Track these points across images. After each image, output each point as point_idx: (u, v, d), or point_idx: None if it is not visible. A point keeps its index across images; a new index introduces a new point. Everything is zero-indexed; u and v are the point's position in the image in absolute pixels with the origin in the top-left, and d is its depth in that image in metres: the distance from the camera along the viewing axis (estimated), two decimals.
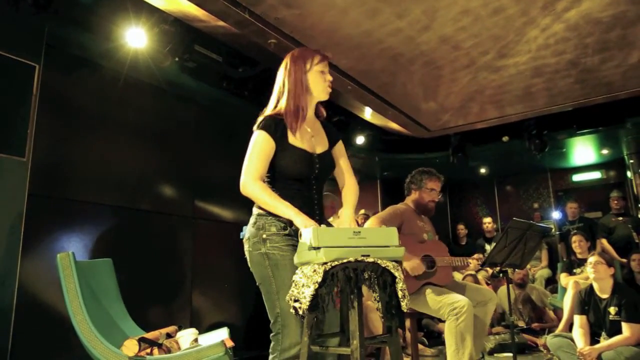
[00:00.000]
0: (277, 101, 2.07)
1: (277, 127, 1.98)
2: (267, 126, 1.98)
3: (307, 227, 1.73)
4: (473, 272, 5.50)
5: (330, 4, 3.49)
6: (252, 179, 1.91)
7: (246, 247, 2.01)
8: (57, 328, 3.10)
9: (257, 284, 1.99)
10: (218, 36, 3.92)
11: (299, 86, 2.02)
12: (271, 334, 1.96)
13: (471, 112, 5.76)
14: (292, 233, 1.93)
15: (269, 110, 2.06)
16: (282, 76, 2.08)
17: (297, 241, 1.89)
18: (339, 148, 2.19)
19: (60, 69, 3.58)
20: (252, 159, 1.95)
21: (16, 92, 3.30)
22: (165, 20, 3.73)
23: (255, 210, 2.03)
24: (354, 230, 1.69)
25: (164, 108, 4.40)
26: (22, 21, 3.33)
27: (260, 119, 2.03)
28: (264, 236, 1.94)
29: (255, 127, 2.02)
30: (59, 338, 3.13)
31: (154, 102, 4.31)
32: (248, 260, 2.00)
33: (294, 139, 2.00)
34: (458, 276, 5.32)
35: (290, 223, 1.91)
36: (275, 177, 2.01)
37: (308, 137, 2.05)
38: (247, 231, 2.02)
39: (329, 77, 2.07)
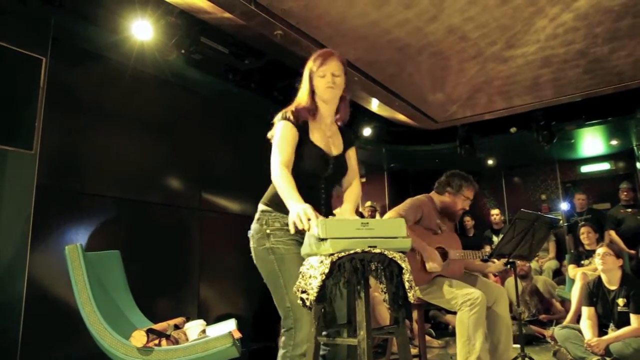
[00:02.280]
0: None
1: (299, 119, 2.05)
2: (289, 117, 2.04)
3: (295, 209, 1.73)
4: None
5: None
6: (279, 165, 1.95)
7: (251, 243, 2.05)
8: (66, 319, 3.12)
9: (264, 280, 2.01)
10: (224, 28, 3.91)
11: (306, 91, 2.13)
12: (283, 329, 1.96)
13: (479, 103, 5.72)
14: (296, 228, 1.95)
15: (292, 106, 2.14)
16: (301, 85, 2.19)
17: (301, 236, 1.91)
18: (352, 153, 2.25)
19: (67, 61, 3.58)
20: (279, 147, 2.00)
21: (23, 85, 3.31)
22: (171, 12, 3.73)
23: (259, 207, 2.08)
24: (361, 221, 1.68)
25: (170, 100, 4.40)
26: (28, 14, 3.33)
27: (284, 110, 2.09)
28: (268, 231, 1.99)
29: (278, 118, 2.08)
30: (68, 329, 3.16)
31: (160, 94, 4.31)
32: (253, 256, 2.05)
33: (313, 136, 2.06)
34: None
35: None
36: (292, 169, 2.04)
37: (325, 138, 2.11)
38: (252, 228, 2.07)
39: (328, 80, 2.09)
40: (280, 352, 1.95)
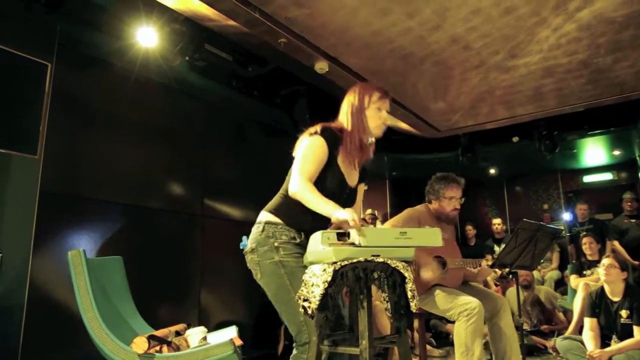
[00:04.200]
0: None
1: (335, 142, 2.00)
2: (327, 136, 1.99)
3: (344, 213, 1.68)
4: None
5: (340, 4, 3.49)
6: (304, 179, 1.89)
7: (253, 257, 1.96)
8: (67, 325, 3.13)
9: (271, 295, 1.93)
10: (228, 35, 3.94)
11: (361, 124, 2.05)
12: (294, 344, 1.90)
13: (481, 112, 5.73)
14: (302, 243, 1.93)
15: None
16: (345, 108, 2.10)
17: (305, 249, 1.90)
18: (361, 189, 2.23)
19: (72, 67, 3.61)
20: (307, 160, 1.94)
21: (29, 91, 3.33)
22: (176, 19, 3.76)
23: (264, 217, 1.99)
24: (400, 230, 1.69)
25: (174, 107, 4.42)
26: (35, 21, 3.36)
27: (321, 125, 2.02)
28: (276, 244, 1.91)
29: (313, 131, 2.00)
30: (69, 335, 3.16)
31: (164, 100, 4.33)
32: (258, 271, 1.96)
33: (341, 162, 2.03)
34: None
35: (300, 234, 1.93)
36: None
37: (350, 168, 2.08)
38: (253, 240, 1.97)
39: (384, 115, 2.09)
40: None
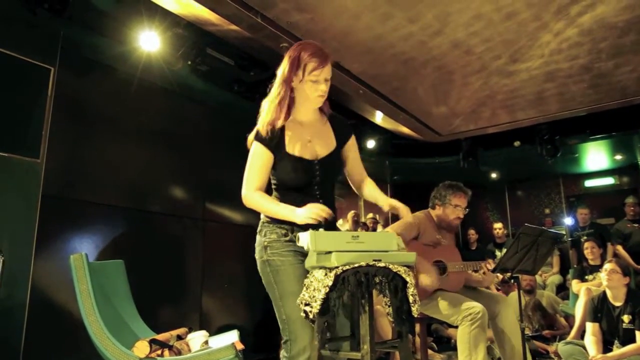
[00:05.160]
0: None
1: (272, 137, 1.94)
2: (261, 137, 1.95)
3: (300, 219, 1.74)
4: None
5: (342, 9, 3.50)
6: (250, 191, 1.94)
7: (255, 255, 2.02)
8: (68, 328, 3.12)
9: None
10: (230, 40, 3.95)
11: (285, 97, 1.96)
12: (282, 341, 1.94)
13: (482, 116, 5.74)
14: (293, 239, 1.91)
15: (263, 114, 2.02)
16: (278, 79, 2.02)
17: (301, 247, 1.89)
18: (350, 146, 2.10)
19: (75, 71, 3.62)
20: (250, 171, 1.97)
21: (32, 95, 3.34)
22: (178, 24, 3.77)
23: (261, 218, 2.04)
24: (352, 234, 1.68)
25: (176, 111, 4.43)
26: (38, 25, 3.38)
27: (256, 128, 1.99)
28: (265, 243, 1.95)
29: (251, 137, 1.99)
30: (70, 338, 3.15)
31: (166, 104, 4.34)
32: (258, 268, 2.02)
33: (291, 147, 1.94)
34: None
35: (291, 229, 1.91)
36: (277, 187, 2.01)
37: (306, 143, 1.97)
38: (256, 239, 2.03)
39: (323, 88, 1.92)
40: None
